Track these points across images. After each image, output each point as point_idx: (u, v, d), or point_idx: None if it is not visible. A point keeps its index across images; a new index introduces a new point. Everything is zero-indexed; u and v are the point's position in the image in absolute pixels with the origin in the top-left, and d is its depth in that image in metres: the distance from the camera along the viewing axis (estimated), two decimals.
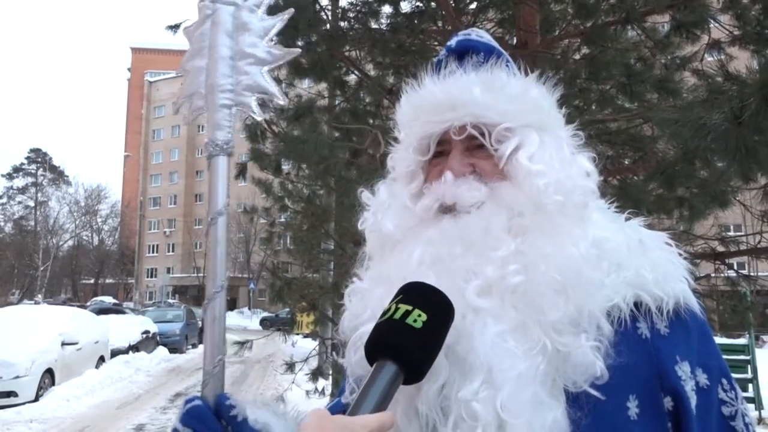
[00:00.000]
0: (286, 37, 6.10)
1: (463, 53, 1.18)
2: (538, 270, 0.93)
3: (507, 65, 1.15)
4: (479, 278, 0.95)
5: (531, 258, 0.94)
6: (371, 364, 0.84)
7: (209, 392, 0.94)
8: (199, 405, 0.91)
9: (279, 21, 1.14)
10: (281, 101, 1.13)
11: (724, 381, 0.97)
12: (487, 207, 1.02)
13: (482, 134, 1.06)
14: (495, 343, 0.89)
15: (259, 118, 1.13)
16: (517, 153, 1.05)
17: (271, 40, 1.13)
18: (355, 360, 1.01)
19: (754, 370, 9.91)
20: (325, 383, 7.72)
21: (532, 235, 0.98)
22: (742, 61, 4.55)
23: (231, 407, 0.91)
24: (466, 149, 1.08)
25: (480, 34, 1.22)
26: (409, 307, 0.85)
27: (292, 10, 1.15)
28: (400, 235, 1.09)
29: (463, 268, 0.97)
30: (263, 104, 1.14)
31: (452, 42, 1.21)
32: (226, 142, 1.06)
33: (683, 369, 0.93)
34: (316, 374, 7.58)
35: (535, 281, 0.92)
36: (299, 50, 1.16)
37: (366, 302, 1.05)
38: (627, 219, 1.09)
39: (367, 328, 0.91)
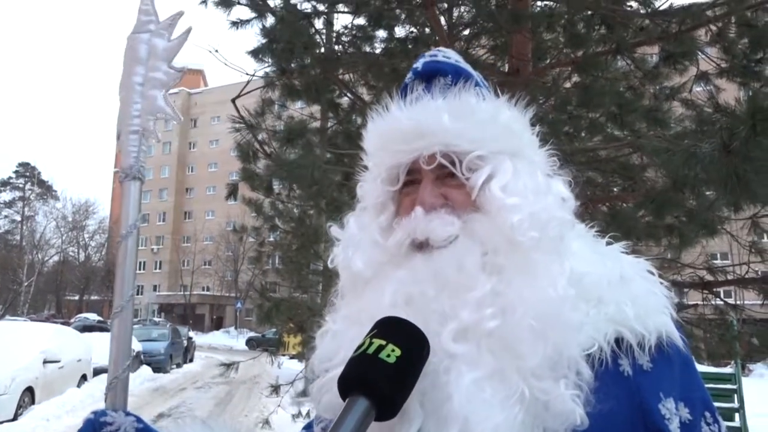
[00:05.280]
0: (281, 59, 6.16)
1: (430, 76, 1.11)
2: (515, 314, 0.89)
3: (477, 87, 1.09)
4: (454, 322, 0.90)
5: (508, 300, 0.90)
6: (344, 399, 0.81)
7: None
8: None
9: (181, 39, 1.18)
10: (176, 121, 1.19)
11: (708, 414, 0.94)
12: (461, 242, 0.97)
13: (452, 163, 1.01)
14: (471, 392, 0.85)
15: (154, 142, 1.17)
16: (490, 183, 0.99)
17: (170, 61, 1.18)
18: (323, 402, 0.97)
19: (741, 400, 9.89)
20: (310, 406, 7.62)
21: (509, 273, 0.93)
22: (730, 92, 4.65)
23: (105, 424, 0.93)
24: (437, 178, 1.03)
25: (447, 55, 1.15)
26: (383, 342, 0.82)
27: (191, 28, 1.20)
28: (371, 272, 1.04)
29: (438, 311, 0.92)
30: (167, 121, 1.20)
31: (418, 64, 1.14)
32: (131, 166, 1.11)
33: (667, 406, 0.89)
34: (301, 397, 7.48)
35: (512, 325, 0.88)
36: (185, 68, 1.20)
37: (339, 344, 0.99)
38: (608, 243, 1.06)
39: (339, 372, 0.86)
